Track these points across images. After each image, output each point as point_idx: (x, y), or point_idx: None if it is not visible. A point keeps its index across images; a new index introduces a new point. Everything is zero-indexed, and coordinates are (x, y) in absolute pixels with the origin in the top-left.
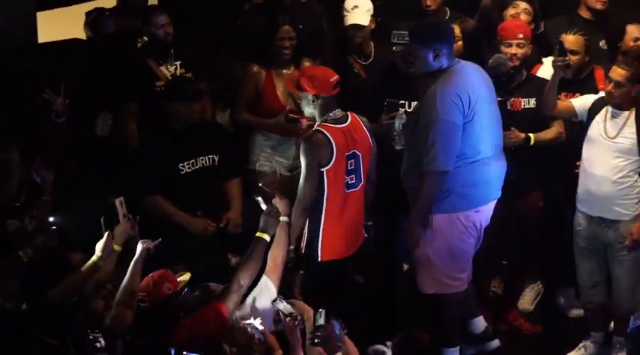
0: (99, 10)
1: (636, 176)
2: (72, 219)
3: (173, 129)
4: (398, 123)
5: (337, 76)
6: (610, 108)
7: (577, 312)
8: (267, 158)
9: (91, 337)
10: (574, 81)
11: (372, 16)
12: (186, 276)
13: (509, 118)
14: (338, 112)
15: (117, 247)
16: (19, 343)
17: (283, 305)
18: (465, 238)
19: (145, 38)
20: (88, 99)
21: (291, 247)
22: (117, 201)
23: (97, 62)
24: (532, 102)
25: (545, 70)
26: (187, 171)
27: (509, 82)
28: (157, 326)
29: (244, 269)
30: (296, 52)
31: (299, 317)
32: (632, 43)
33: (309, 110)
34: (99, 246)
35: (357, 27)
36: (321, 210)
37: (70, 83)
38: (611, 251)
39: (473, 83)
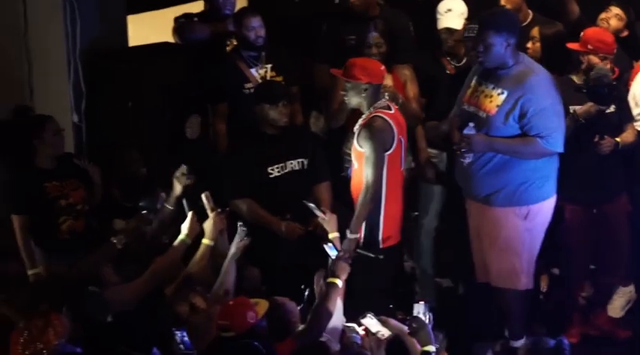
0: (186, 16)
1: None
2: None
3: (262, 132)
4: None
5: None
6: None
7: None
8: None
9: (178, 336)
10: None
11: (465, 19)
12: (264, 305)
13: (601, 125)
14: (383, 101)
15: (208, 242)
16: None
17: (373, 322)
18: (545, 228)
19: (234, 41)
20: (179, 102)
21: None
22: (203, 196)
23: (187, 66)
24: (612, 107)
25: None
26: (276, 174)
27: (611, 93)
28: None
29: (321, 315)
30: (386, 59)
31: (383, 336)
32: None
33: (357, 100)
34: (185, 225)
35: (450, 30)
36: (381, 196)
37: (161, 86)
38: None
39: None
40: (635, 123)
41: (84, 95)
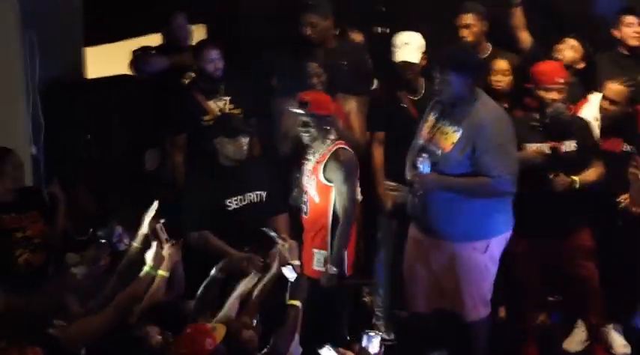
0: (144, 49)
1: None
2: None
3: (221, 164)
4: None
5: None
6: None
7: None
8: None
9: None
10: (614, 128)
11: (423, 52)
12: (222, 330)
13: (558, 162)
14: (333, 133)
15: (164, 273)
16: None
17: (331, 353)
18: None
19: (192, 74)
20: (136, 134)
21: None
22: (157, 226)
23: (144, 98)
24: (573, 145)
25: (591, 108)
26: (235, 206)
27: (568, 130)
28: None
29: (285, 339)
30: (329, 88)
31: None
32: None
33: (318, 133)
34: (149, 255)
35: (408, 64)
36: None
37: (119, 118)
38: None
39: None
40: None
41: (42, 127)
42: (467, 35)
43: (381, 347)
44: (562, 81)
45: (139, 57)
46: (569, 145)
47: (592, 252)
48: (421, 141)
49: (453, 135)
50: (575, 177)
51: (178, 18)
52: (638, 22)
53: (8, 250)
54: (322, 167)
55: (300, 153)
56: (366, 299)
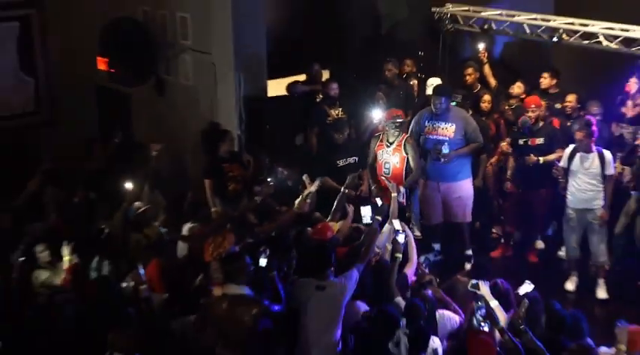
0: (295, 82)
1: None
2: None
3: (335, 143)
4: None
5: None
6: (580, 153)
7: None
8: None
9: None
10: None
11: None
12: (336, 227)
13: (530, 149)
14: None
15: (308, 200)
16: None
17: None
18: None
19: (321, 95)
20: (292, 125)
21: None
22: (304, 176)
23: (297, 106)
24: (540, 140)
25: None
26: (342, 165)
27: (530, 130)
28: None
29: (370, 243)
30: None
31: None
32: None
33: (400, 131)
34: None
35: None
36: None
37: (283, 117)
38: (591, 226)
39: None
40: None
41: (243, 121)
42: (468, 79)
43: (405, 238)
44: (534, 107)
45: (292, 85)
46: (540, 140)
47: (547, 199)
48: (430, 137)
49: (451, 128)
50: (541, 158)
51: (315, 66)
52: (549, 74)
53: (225, 182)
54: (403, 147)
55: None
56: (407, 214)
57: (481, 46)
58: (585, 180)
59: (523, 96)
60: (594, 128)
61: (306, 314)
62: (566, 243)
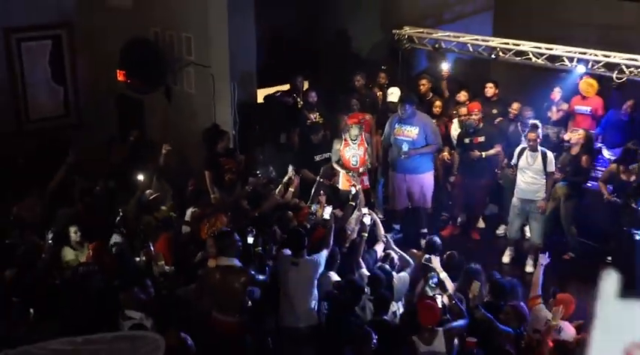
0: (278, 91)
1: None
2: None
3: (313, 142)
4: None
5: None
6: (528, 151)
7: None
8: None
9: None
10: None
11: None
12: (319, 210)
13: (473, 146)
14: None
15: (292, 189)
16: None
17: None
18: None
19: (302, 102)
20: (277, 126)
21: None
22: (290, 169)
23: (281, 110)
24: (481, 139)
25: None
26: (318, 159)
27: (473, 130)
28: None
29: (345, 214)
30: (362, 111)
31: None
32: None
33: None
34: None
35: (393, 103)
36: None
37: (270, 119)
38: (531, 214)
39: None
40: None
41: (237, 122)
42: (422, 88)
43: (371, 220)
44: (476, 111)
45: (270, 95)
46: (482, 138)
47: (487, 187)
48: (398, 137)
49: (414, 130)
50: (483, 153)
51: (299, 78)
52: (493, 84)
53: (222, 174)
54: (365, 139)
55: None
56: (372, 200)
57: (445, 66)
58: (530, 175)
59: (467, 102)
60: (540, 130)
61: (285, 285)
62: (510, 226)
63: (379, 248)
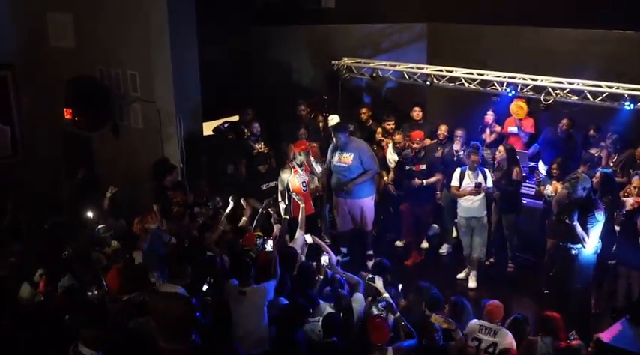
0: (226, 121)
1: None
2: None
3: (260, 172)
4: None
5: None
6: (469, 172)
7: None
8: None
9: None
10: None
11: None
12: (259, 234)
13: (415, 173)
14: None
15: (245, 218)
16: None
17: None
18: None
19: (247, 132)
20: (224, 157)
21: None
22: (241, 200)
23: (227, 143)
24: (423, 167)
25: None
26: (264, 188)
27: (415, 158)
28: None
29: (281, 231)
30: (308, 139)
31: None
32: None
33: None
34: (224, 214)
35: (333, 127)
36: None
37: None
38: (475, 230)
39: None
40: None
41: (184, 155)
42: (363, 116)
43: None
44: (418, 140)
45: (217, 127)
46: (424, 166)
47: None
48: (337, 164)
49: (350, 156)
50: (424, 181)
51: (248, 110)
52: (419, 108)
53: (169, 206)
54: (309, 164)
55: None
56: (320, 225)
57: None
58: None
59: (392, 129)
60: (477, 158)
61: (234, 313)
62: (462, 243)
63: (323, 259)
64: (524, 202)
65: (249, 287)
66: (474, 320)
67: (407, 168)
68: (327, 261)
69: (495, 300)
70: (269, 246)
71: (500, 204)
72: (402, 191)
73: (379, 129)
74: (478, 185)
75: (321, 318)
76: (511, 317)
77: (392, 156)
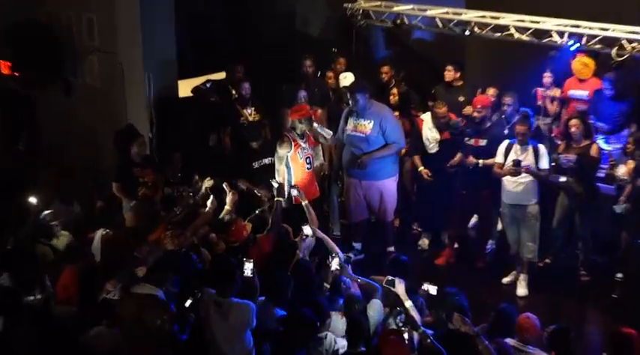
0: (209, 80)
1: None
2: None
3: (251, 147)
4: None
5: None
6: (518, 146)
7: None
8: None
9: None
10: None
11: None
12: (249, 226)
13: (471, 149)
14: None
15: (228, 207)
16: None
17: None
18: None
19: (235, 93)
20: (205, 126)
21: None
22: (224, 184)
23: (209, 107)
24: (483, 142)
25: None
26: (257, 166)
27: (474, 130)
28: (243, 252)
29: (277, 217)
30: (310, 103)
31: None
32: None
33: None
34: (209, 202)
35: (345, 87)
36: None
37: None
38: (521, 222)
39: None
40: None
41: (154, 123)
42: (384, 77)
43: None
44: (480, 106)
45: (198, 87)
46: (483, 141)
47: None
48: (351, 133)
49: (368, 124)
50: (480, 160)
51: (238, 66)
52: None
53: (135, 187)
54: (313, 134)
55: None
56: (325, 212)
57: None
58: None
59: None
60: (532, 120)
61: (209, 330)
62: (508, 238)
63: (334, 263)
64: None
65: (228, 300)
66: (508, 340)
67: (469, 141)
68: (337, 264)
69: (528, 313)
70: (248, 270)
71: (572, 194)
72: (441, 174)
73: (394, 90)
74: (517, 163)
75: (329, 334)
76: (550, 327)
77: (431, 133)
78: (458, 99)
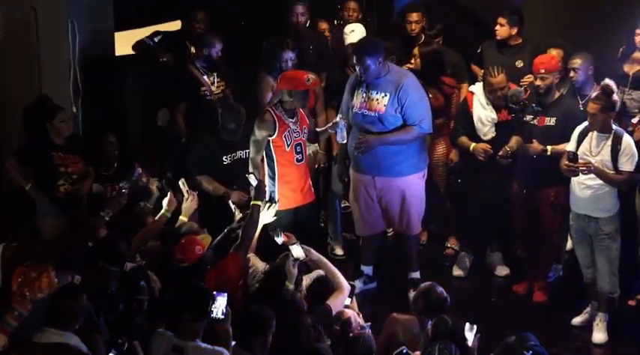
0: (157, 31)
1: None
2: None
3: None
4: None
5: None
6: (595, 133)
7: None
8: None
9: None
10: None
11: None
12: (207, 239)
13: (535, 130)
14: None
15: (184, 218)
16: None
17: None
18: None
19: (193, 52)
20: (152, 99)
21: None
22: (180, 182)
23: (155, 72)
24: (553, 121)
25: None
26: (229, 161)
27: (538, 104)
28: (194, 277)
29: (249, 228)
30: (299, 68)
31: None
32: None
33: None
34: (165, 201)
35: (353, 46)
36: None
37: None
38: (594, 241)
39: None
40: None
41: (80, 92)
42: (414, 28)
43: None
44: (544, 71)
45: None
46: (550, 120)
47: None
48: (358, 111)
49: (383, 100)
50: (549, 147)
51: (199, 14)
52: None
53: (54, 180)
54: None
55: None
56: (322, 224)
57: None
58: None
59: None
60: (616, 98)
61: None
62: (579, 261)
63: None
64: None
65: (193, 343)
66: None
67: (527, 117)
68: (299, 252)
69: None
70: (219, 309)
71: None
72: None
73: (416, 51)
74: (571, 157)
75: None
76: None
77: (485, 112)
78: (515, 64)
